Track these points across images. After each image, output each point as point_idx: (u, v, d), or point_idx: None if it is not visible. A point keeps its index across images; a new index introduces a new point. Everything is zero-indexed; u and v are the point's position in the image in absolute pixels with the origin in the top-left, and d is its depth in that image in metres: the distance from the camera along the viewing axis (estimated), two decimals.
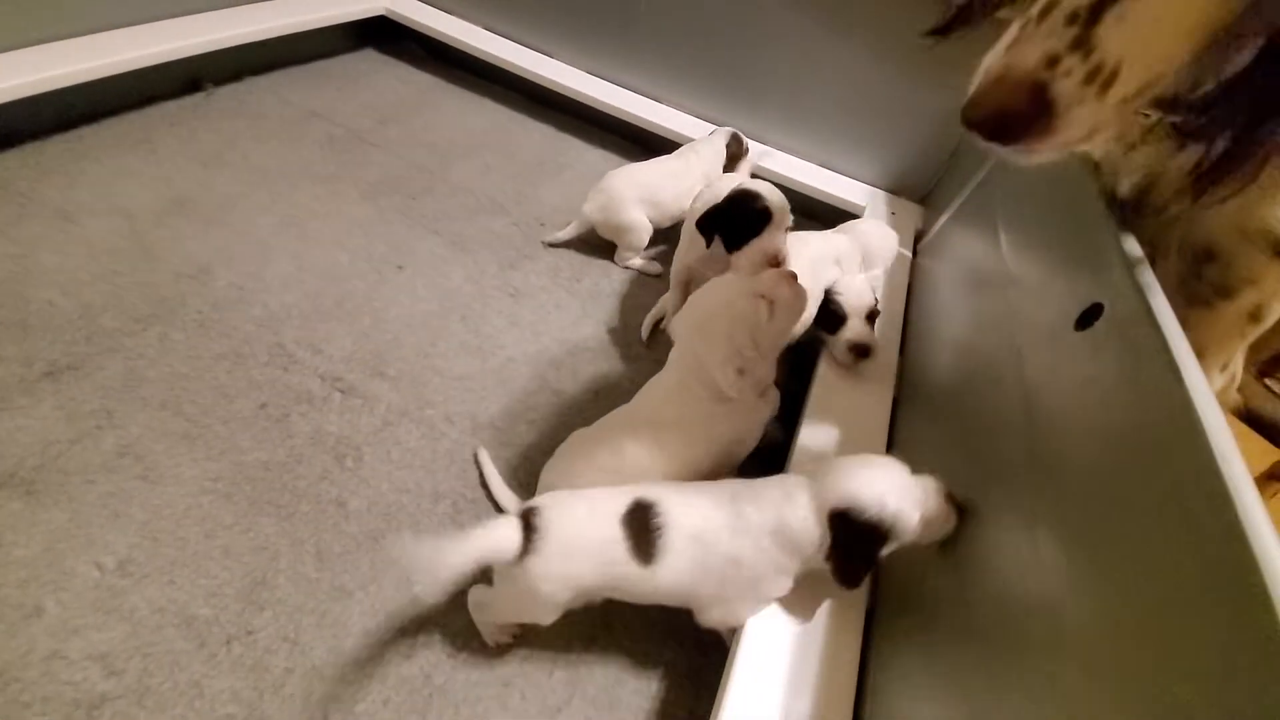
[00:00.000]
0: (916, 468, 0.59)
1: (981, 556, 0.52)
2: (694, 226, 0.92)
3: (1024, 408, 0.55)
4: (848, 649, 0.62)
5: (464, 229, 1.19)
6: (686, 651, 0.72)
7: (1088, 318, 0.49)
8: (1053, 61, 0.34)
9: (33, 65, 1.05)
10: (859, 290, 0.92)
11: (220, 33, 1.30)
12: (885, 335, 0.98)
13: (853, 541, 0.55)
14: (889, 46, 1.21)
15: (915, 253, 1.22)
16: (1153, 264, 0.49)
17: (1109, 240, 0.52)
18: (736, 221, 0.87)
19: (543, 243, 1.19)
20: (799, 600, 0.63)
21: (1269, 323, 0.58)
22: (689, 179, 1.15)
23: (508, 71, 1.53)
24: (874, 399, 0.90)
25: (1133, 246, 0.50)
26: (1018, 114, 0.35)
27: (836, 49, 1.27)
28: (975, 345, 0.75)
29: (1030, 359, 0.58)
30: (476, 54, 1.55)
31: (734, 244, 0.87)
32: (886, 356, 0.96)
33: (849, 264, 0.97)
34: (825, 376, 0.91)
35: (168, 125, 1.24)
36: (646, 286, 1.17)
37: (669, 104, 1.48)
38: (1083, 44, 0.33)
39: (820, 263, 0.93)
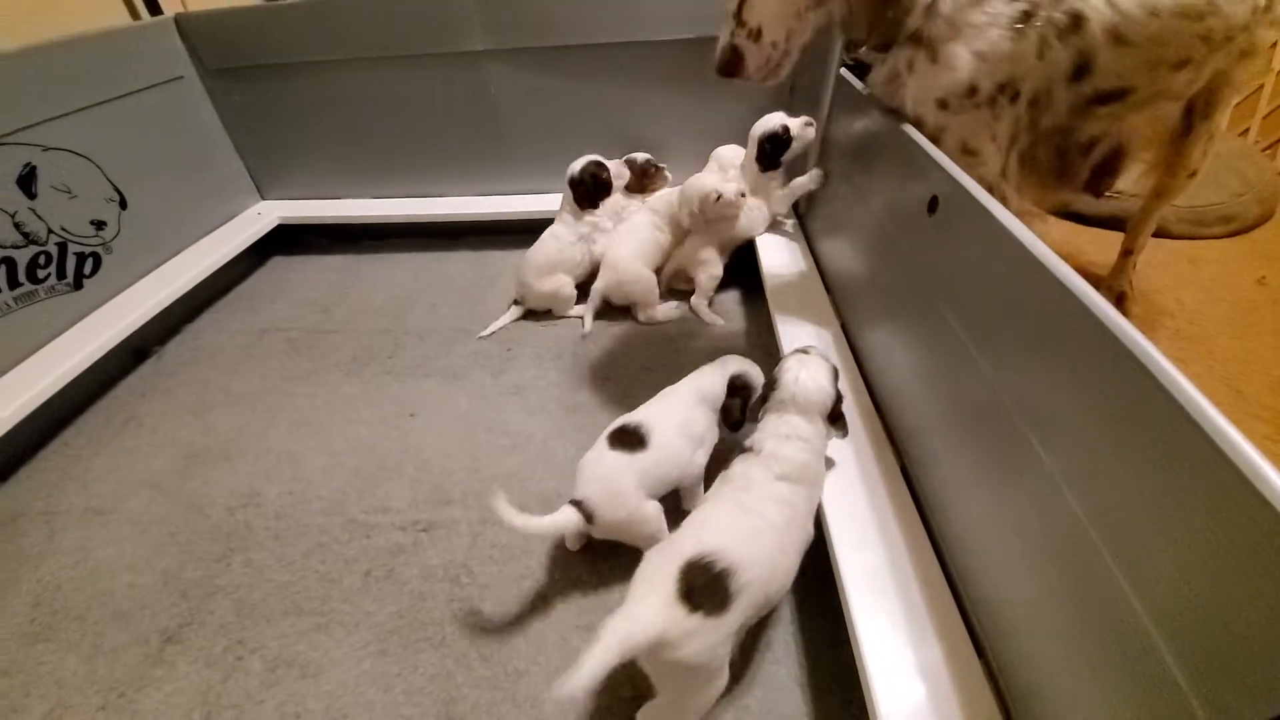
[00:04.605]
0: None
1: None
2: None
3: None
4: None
5: (447, 362, 1.33)
6: None
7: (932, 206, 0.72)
8: (734, 34, 0.88)
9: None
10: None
11: (146, 303, 1.39)
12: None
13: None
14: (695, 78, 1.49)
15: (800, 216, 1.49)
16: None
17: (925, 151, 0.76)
18: None
19: (479, 336, 1.39)
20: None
21: (987, 153, 0.85)
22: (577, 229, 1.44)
23: (410, 224, 1.72)
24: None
25: (941, 157, 0.74)
26: (730, 62, 0.89)
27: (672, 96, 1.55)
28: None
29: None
30: (374, 222, 1.73)
31: None
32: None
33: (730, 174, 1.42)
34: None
35: (139, 397, 1.32)
36: (605, 332, 1.36)
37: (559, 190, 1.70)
38: (740, 22, 0.87)
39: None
